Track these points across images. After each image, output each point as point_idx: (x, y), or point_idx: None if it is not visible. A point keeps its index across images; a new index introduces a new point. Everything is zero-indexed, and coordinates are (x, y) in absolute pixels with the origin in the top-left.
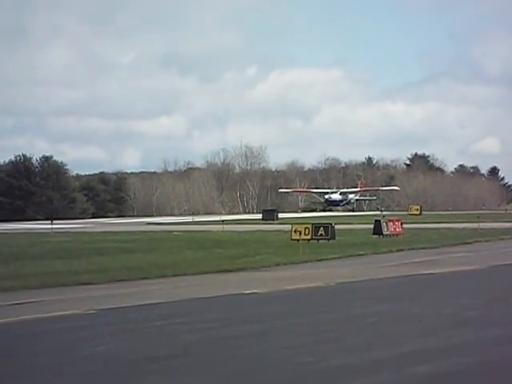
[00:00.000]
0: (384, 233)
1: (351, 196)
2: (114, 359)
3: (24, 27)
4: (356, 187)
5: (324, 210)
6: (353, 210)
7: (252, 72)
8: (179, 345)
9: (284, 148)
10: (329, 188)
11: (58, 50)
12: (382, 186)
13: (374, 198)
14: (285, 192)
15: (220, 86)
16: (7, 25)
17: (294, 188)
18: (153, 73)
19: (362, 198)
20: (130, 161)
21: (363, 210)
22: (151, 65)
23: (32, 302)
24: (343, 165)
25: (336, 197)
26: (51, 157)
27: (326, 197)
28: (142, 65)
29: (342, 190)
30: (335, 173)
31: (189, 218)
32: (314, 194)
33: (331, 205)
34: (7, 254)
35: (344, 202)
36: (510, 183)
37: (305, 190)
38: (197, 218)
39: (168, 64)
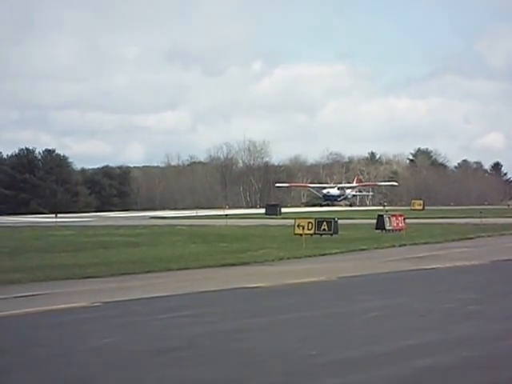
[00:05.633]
0: (387, 228)
1: (349, 191)
2: (119, 351)
3: (29, 20)
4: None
5: (321, 205)
6: (350, 205)
7: (256, 66)
8: (184, 337)
9: (287, 142)
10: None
11: (62, 43)
12: (381, 181)
13: (371, 193)
14: (282, 186)
15: (225, 81)
16: (12, 18)
17: (297, 182)
18: (157, 67)
19: (358, 193)
20: (133, 155)
21: (362, 205)
22: (156, 59)
23: (38, 295)
24: (346, 160)
25: (334, 192)
26: (54, 150)
27: (324, 192)
28: (146, 59)
29: (340, 185)
30: (338, 168)
31: (192, 212)
32: (311, 189)
33: (329, 200)
34: (13, 246)
35: (342, 197)
36: None
37: (302, 184)
38: (200, 213)
39: (173, 58)
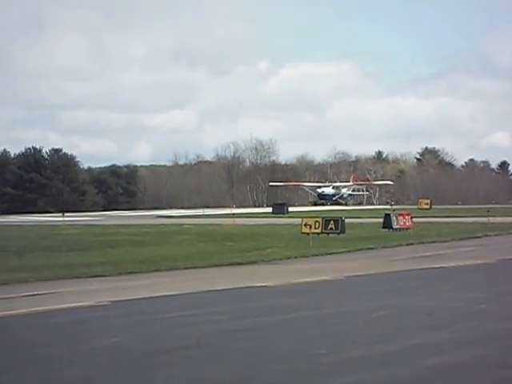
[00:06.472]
0: (394, 227)
1: (344, 190)
2: (127, 350)
3: (35, 20)
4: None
5: (316, 204)
6: (345, 205)
7: (263, 66)
8: (192, 336)
9: (294, 142)
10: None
11: (69, 42)
12: (376, 181)
13: (367, 193)
14: (276, 185)
15: (231, 80)
16: (18, 17)
17: (291, 181)
18: (164, 66)
19: (354, 192)
20: (140, 154)
21: (361, 205)
22: (163, 58)
23: (45, 294)
24: (353, 159)
25: (329, 191)
26: (61, 149)
27: (319, 191)
28: (153, 58)
29: (334, 184)
30: (345, 166)
31: (199, 211)
32: (306, 188)
33: (324, 199)
34: (20, 246)
35: (337, 197)
36: None
37: (297, 183)
38: (207, 212)
39: (179, 57)
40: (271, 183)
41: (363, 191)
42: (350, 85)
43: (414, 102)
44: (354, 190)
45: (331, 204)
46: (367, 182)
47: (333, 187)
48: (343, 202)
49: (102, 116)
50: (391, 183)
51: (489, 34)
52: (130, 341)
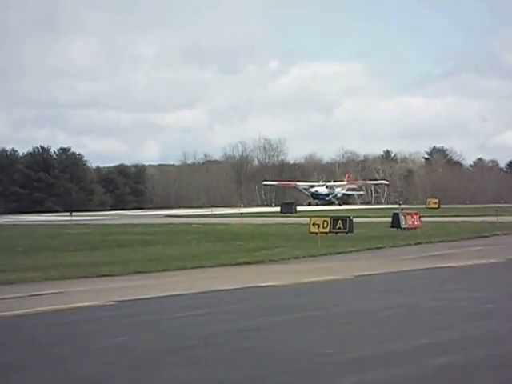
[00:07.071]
0: (402, 226)
1: (338, 190)
2: (134, 350)
3: (46, 19)
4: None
5: (310, 204)
6: (339, 204)
7: (273, 65)
8: (199, 336)
9: (303, 141)
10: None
11: (80, 42)
12: (371, 180)
13: (362, 192)
14: (270, 185)
15: (241, 79)
16: (29, 17)
17: (285, 181)
18: (175, 65)
19: (349, 192)
20: (149, 153)
21: (351, 204)
22: (173, 57)
23: (52, 294)
24: (361, 158)
25: (322, 190)
26: (69, 149)
27: (312, 190)
28: (163, 57)
29: (328, 184)
30: (353, 166)
31: (207, 211)
32: (300, 188)
33: (317, 198)
34: (28, 245)
35: (330, 196)
36: None
37: (291, 183)
38: (215, 211)
39: (190, 56)
40: (264, 182)
41: (361, 190)
42: (359, 84)
43: (422, 101)
44: (348, 190)
45: (324, 204)
46: (362, 182)
47: (326, 187)
48: (337, 202)
49: (111, 115)
50: (387, 183)
51: (497, 34)
52: (138, 340)
